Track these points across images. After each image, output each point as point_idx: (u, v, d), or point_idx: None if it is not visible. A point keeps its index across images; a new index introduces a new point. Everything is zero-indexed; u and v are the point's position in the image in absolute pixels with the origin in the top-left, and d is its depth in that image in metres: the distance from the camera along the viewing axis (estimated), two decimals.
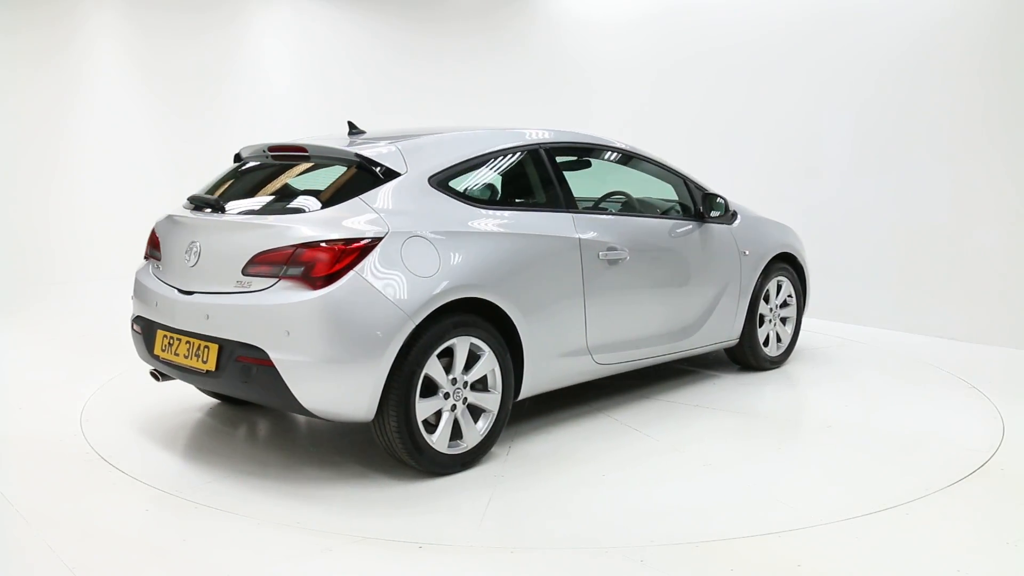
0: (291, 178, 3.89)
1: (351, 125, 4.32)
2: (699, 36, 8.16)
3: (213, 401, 4.65)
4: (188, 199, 4.08)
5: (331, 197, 3.58)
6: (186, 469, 3.74)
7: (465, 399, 3.63)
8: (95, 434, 4.14)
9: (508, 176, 4.25)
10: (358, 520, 3.18)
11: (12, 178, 8.51)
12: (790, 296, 5.40)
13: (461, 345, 3.58)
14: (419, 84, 10.13)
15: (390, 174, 3.64)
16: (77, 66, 8.76)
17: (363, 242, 3.37)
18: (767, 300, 5.23)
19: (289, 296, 3.33)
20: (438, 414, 3.56)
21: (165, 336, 3.80)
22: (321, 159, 3.85)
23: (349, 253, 3.34)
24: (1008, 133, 6.12)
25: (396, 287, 3.38)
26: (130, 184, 8.94)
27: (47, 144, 8.66)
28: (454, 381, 3.59)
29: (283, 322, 3.32)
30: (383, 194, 3.57)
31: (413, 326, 3.39)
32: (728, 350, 5.25)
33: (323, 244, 3.35)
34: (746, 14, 7.73)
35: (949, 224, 6.48)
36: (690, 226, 4.77)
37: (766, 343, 5.28)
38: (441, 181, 3.75)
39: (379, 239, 3.41)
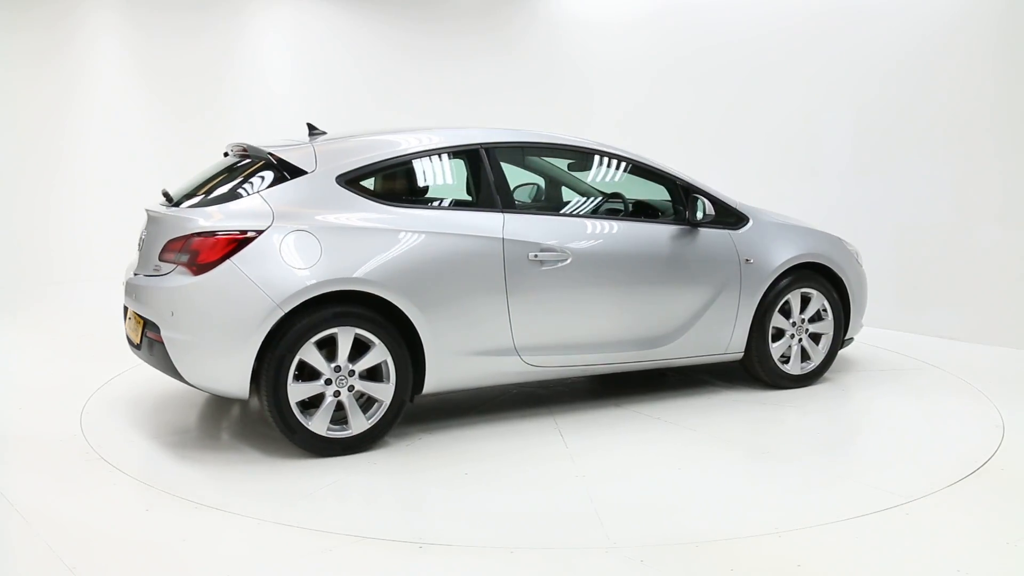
0: (228, 175, 4.15)
1: (310, 127, 4.47)
2: (699, 36, 8.16)
3: (213, 401, 4.65)
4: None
5: (239, 193, 3.91)
6: (186, 469, 3.74)
7: (352, 387, 3.79)
8: (95, 434, 4.14)
9: (434, 176, 4.38)
10: (359, 520, 3.19)
11: (12, 178, 8.51)
12: (824, 310, 4.93)
13: (344, 335, 3.75)
14: (420, 83, 10.13)
15: (296, 172, 3.92)
16: (77, 66, 8.76)
17: (242, 234, 3.69)
18: (789, 314, 4.85)
19: (177, 281, 3.74)
20: (322, 397, 3.78)
21: (128, 313, 4.23)
22: (254, 158, 4.13)
23: (229, 244, 3.68)
24: (1008, 133, 6.12)
25: (268, 277, 3.64)
26: (130, 184, 8.92)
27: (47, 144, 8.66)
28: (337, 369, 3.75)
29: (169, 304, 3.74)
30: (283, 191, 3.86)
31: (282, 314, 3.64)
32: (744, 366, 4.92)
33: (207, 235, 3.71)
34: (747, 13, 7.73)
35: (949, 224, 6.48)
36: (668, 230, 4.55)
37: (787, 360, 4.89)
38: (351, 180, 3.96)
39: (260, 232, 3.71)
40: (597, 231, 4.41)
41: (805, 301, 4.91)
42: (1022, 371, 5.48)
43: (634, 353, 4.50)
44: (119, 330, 4.51)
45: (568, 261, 4.22)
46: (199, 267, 3.67)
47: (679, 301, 4.55)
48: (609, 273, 4.35)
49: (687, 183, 4.66)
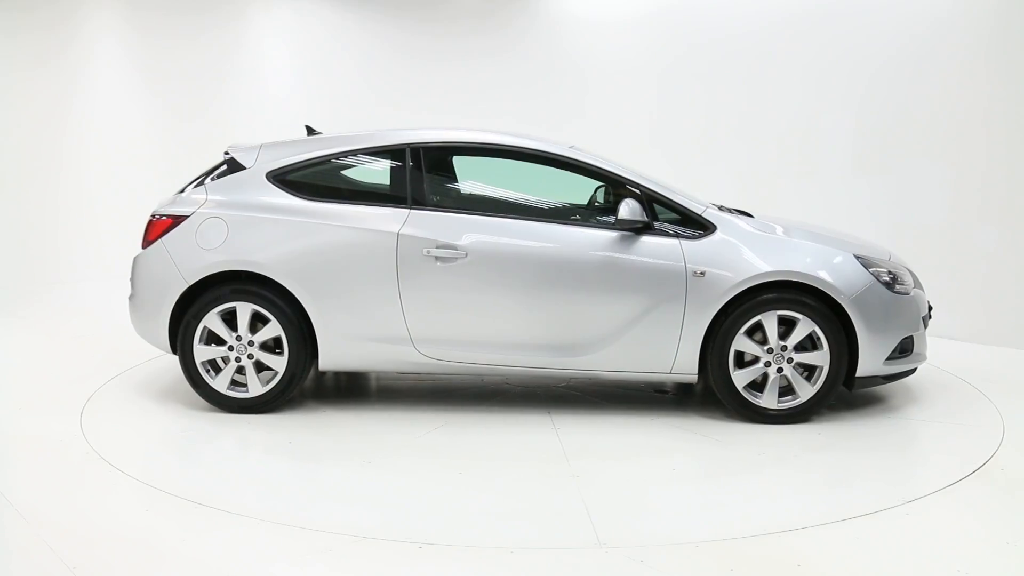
0: (210, 170, 4.69)
1: (309, 129, 4.94)
2: (697, 37, 8.15)
3: None
4: None
5: (195, 184, 4.58)
6: (186, 469, 3.75)
7: (251, 355, 4.34)
8: (95, 434, 4.14)
9: (354, 175, 4.66)
10: (359, 520, 3.19)
11: (13, 178, 8.51)
12: (818, 339, 4.23)
13: (242, 309, 4.34)
14: (421, 83, 10.12)
15: (237, 168, 4.52)
16: (77, 68, 8.76)
17: (170, 218, 4.43)
18: (765, 340, 4.24)
19: (136, 254, 4.54)
20: (227, 360, 4.39)
21: None
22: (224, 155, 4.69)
23: (161, 226, 4.44)
24: (1008, 133, 6.13)
25: (182, 255, 4.35)
26: (130, 184, 8.93)
27: (47, 145, 8.66)
28: (239, 338, 4.34)
29: (131, 272, 4.56)
30: (222, 184, 4.51)
31: (187, 286, 4.33)
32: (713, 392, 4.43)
33: (154, 218, 4.50)
34: (745, 13, 7.72)
35: (949, 224, 6.48)
36: (595, 234, 4.28)
37: (760, 389, 4.30)
38: (278, 176, 4.47)
39: (184, 217, 4.38)
40: (506, 231, 4.31)
41: (792, 325, 4.25)
42: (1022, 371, 5.48)
43: (549, 358, 4.32)
44: (119, 330, 4.55)
45: (466, 258, 4.25)
46: (147, 243, 4.48)
47: (599, 310, 4.26)
48: (513, 274, 4.26)
49: (642, 187, 4.36)
